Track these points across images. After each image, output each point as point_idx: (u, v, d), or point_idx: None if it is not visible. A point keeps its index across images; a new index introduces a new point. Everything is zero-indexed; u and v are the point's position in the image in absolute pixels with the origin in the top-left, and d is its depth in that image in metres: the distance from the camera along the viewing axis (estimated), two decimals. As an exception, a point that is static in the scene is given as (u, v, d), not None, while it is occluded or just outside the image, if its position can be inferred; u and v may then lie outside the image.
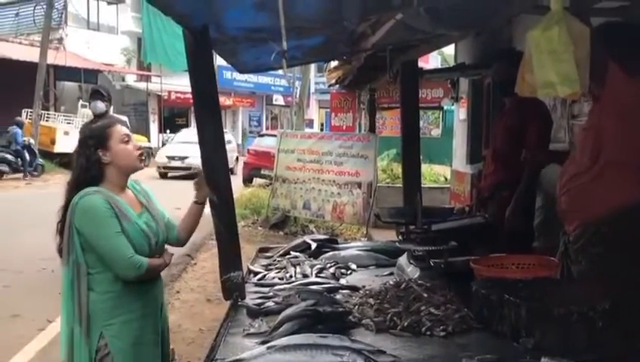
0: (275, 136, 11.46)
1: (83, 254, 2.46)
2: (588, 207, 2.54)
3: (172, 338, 3.90)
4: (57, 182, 15.61)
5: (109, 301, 2.48)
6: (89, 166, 2.51)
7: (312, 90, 29.94)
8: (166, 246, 2.72)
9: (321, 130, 29.05)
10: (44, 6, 20.88)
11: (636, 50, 2.55)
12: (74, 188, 2.52)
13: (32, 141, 18.01)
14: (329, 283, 2.93)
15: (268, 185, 12.32)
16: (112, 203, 2.46)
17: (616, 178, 2.49)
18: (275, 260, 3.52)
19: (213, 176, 2.70)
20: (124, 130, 2.60)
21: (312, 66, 18.32)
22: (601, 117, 2.62)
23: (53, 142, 19.94)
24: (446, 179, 11.57)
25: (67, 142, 18.83)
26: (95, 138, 2.54)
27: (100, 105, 6.30)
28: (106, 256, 2.44)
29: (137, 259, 2.45)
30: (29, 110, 19.85)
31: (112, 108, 6.69)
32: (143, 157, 2.69)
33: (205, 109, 2.74)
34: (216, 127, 2.73)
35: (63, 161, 18.73)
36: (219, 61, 4.01)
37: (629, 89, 2.49)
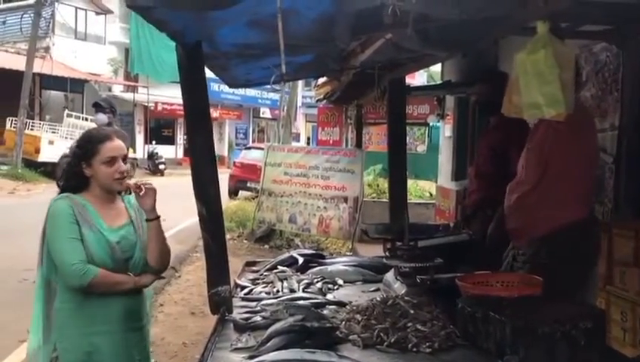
0: (261, 149, 11.49)
1: (49, 260, 2.45)
2: (534, 225, 2.88)
3: (155, 352, 3.87)
4: (41, 191, 15.46)
5: (66, 311, 2.44)
6: (70, 175, 2.54)
7: (299, 103, 30.01)
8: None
9: (308, 143, 29.12)
10: (32, 14, 20.78)
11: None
12: (60, 191, 2.55)
13: None
14: (316, 298, 2.93)
15: (254, 198, 12.31)
16: (77, 209, 2.44)
17: (559, 197, 2.82)
18: (261, 274, 3.53)
19: (203, 189, 2.71)
20: (114, 150, 2.51)
21: (300, 80, 18.40)
22: (546, 135, 2.80)
23: (37, 151, 19.75)
24: (431, 194, 11.66)
25: (52, 151, 18.67)
26: (82, 150, 2.53)
27: (102, 117, 6.38)
28: (55, 259, 2.41)
29: (83, 267, 2.36)
30: (14, 118, 19.67)
31: (117, 117, 6.75)
32: (127, 177, 2.60)
33: (196, 123, 2.75)
34: (206, 141, 2.75)
35: (47, 170, 18.55)
36: (206, 73, 4.04)
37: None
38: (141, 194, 2.56)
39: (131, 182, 2.62)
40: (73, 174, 2.52)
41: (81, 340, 2.42)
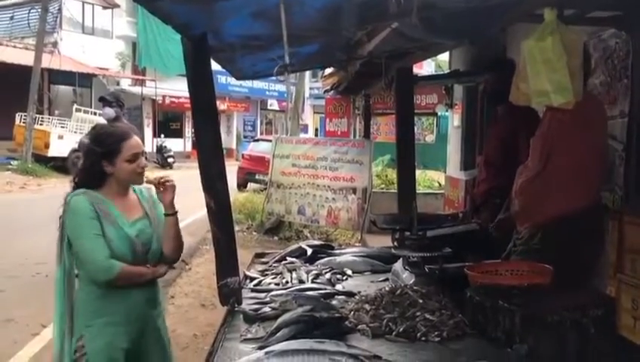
0: (269, 141, 11.49)
1: (71, 253, 2.50)
2: (535, 211, 2.90)
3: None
4: (52, 186, 15.56)
5: (92, 301, 2.50)
6: (91, 172, 2.55)
7: (307, 95, 29.97)
8: None
9: (316, 135, 29.08)
10: (39, 10, 20.81)
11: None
12: (75, 188, 2.56)
13: None
14: (325, 288, 2.95)
15: (262, 190, 12.33)
16: (97, 205, 2.48)
17: (561, 185, 2.81)
18: (271, 266, 3.55)
19: (211, 182, 2.72)
20: (136, 147, 2.57)
21: (307, 72, 18.36)
22: (551, 123, 2.78)
23: (47, 146, 19.83)
24: (440, 184, 11.62)
25: (61, 146, 18.83)
26: (104, 148, 2.53)
27: (109, 111, 6.38)
28: (80, 256, 2.47)
29: (108, 263, 2.44)
30: (23, 114, 19.77)
31: (125, 110, 6.76)
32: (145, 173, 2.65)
33: (203, 116, 2.76)
34: (213, 134, 2.75)
35: (57, 164, 18.67)
36: (214, 66, 4.06)
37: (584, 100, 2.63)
38: (161, 190, 2.64)
39: (152, 177, 2.67)
40: (96, 172, 2.54)
41: (106, 329, 2.48)
